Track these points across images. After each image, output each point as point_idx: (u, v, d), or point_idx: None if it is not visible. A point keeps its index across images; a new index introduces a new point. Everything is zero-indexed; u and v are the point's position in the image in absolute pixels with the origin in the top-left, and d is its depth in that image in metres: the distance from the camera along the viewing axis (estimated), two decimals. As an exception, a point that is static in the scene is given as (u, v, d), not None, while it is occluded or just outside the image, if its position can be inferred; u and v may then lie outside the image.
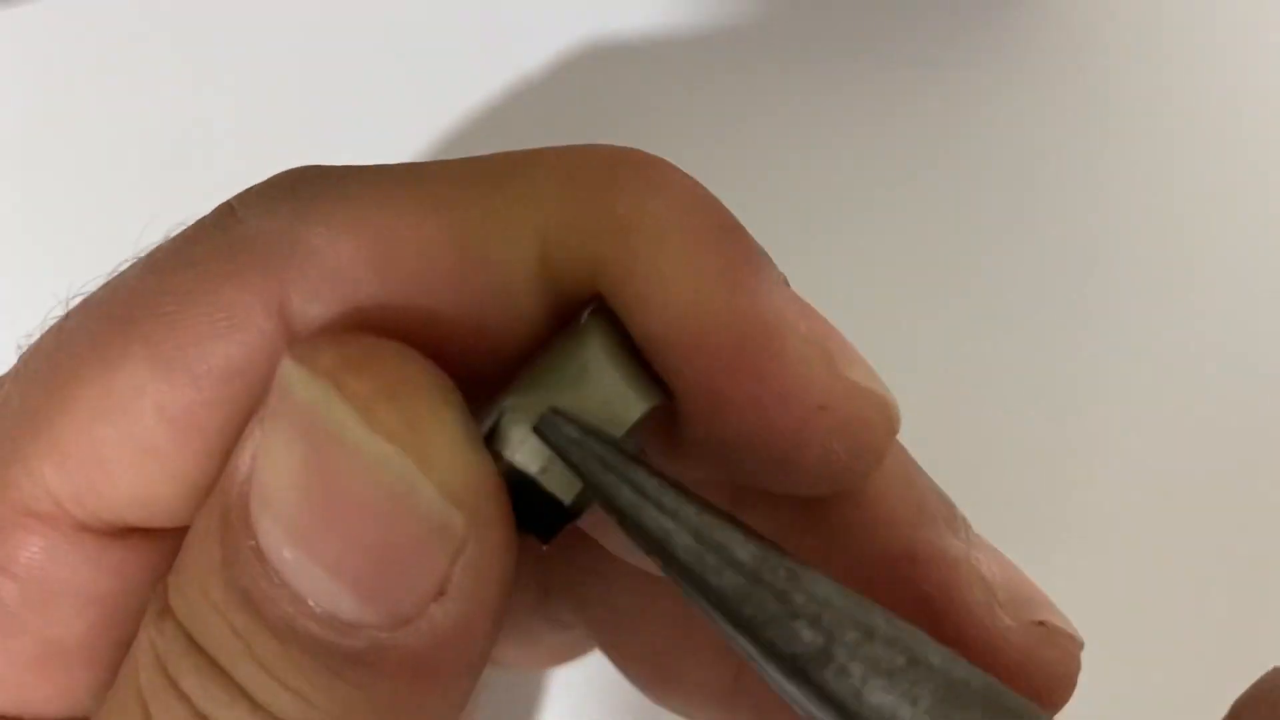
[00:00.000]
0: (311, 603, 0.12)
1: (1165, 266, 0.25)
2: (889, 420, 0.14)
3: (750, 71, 0.25)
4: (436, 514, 0.12)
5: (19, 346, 0.15)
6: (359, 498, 0.12)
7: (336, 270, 0.13)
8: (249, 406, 0.13)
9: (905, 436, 0.15)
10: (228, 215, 0.14)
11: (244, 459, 0.13)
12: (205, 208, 0.24)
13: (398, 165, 0.14)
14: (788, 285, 0.14)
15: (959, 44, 0.25)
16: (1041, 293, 0.25)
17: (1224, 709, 0.12)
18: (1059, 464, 0.25)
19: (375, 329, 0.13)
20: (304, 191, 0.14)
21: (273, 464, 0.12)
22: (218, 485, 0.13)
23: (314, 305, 0.13)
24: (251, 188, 0.14)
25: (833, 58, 0.25)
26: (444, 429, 0.13)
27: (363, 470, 0.12)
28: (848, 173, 0.25)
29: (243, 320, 0.13)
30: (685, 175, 0.14)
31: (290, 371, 0.12)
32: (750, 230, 0.14)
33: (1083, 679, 0.15)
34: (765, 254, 0.14)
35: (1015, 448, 0.25)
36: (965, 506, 0.15)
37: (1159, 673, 0.25)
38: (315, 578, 0.12)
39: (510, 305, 0.14)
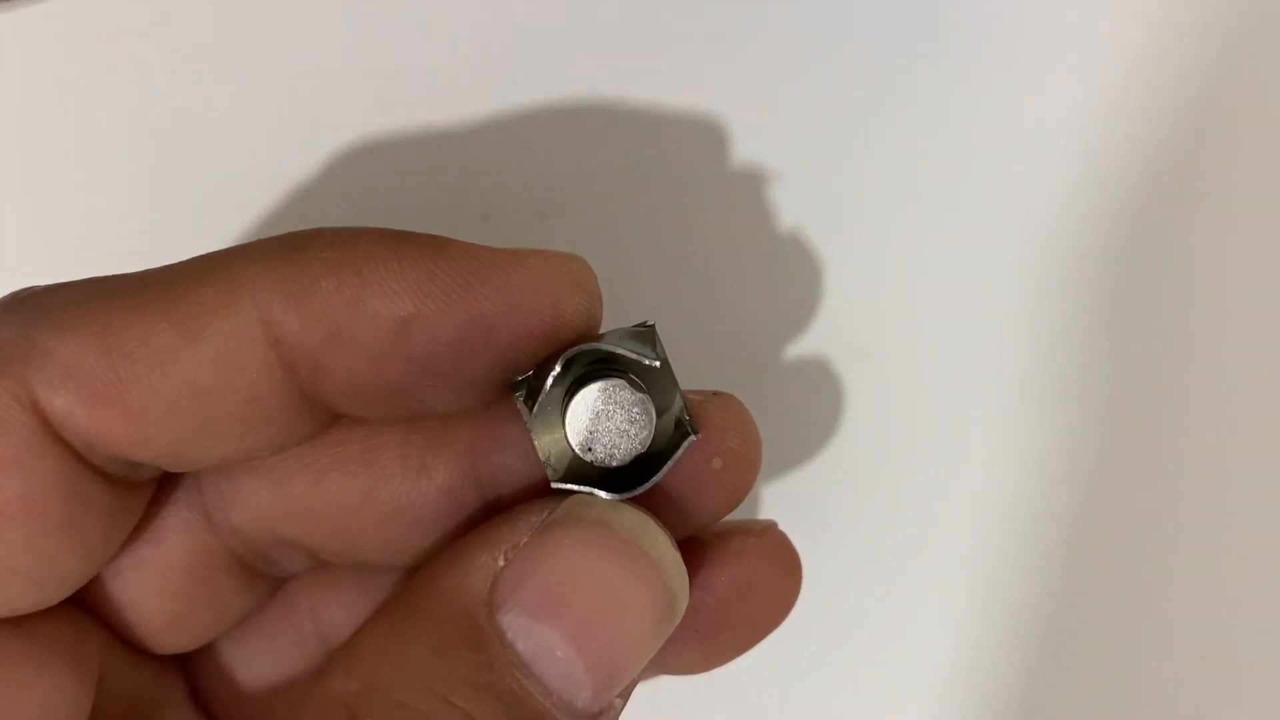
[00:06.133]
0: (556, 696, 0.15)
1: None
2: None
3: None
4: (676, 621, 0.16)
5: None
6: (644, 601, 0.15)
7: (71, 364, 0.15)
8: (20, 490, 0.15)
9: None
10: None
11: (479, 579, 0.15)
12: (205, 209, 0.24)
13: (114, 276, 0.16)
14: None
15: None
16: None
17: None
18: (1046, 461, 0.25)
19: (114, 406, 0.15)
20: (29, 306, 0.16)
21: (571, 576, 0.15)
22: (418, 603, 0.15)
23: (59, 396, 0.15)
24: None
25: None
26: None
27: (657, 579, 0.15)
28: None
29: (1, 418, 0.15)
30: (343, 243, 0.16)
31: (593, 504, 0.16)
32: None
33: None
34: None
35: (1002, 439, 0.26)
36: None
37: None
38: (574, 672, 0.15)
39: (238, 371, 0.15)
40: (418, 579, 0.16)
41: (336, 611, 0.19)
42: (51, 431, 0.15)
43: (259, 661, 0.19)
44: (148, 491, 0.17)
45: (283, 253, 0.16)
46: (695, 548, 0.18)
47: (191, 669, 0.19)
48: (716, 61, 0.25)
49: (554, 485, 0.17)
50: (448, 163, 0.25)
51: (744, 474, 0.18)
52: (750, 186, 0.25)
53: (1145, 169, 0.25)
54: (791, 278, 0.25)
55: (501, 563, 0.15)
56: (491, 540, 0.16)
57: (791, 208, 0.25)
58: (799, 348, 0.25)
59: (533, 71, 0.25)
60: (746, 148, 0.25)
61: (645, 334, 0.17)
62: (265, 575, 0.19)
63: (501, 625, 0.15)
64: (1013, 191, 0.25)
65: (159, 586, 0.18)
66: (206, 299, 0.15)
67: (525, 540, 0.15)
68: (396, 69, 0.25)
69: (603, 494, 0.16)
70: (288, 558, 0.19)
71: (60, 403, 0.15)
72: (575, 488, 0.16)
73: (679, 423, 0.17)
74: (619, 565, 0.15)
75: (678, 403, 0.17)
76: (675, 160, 0.25)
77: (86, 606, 0.17)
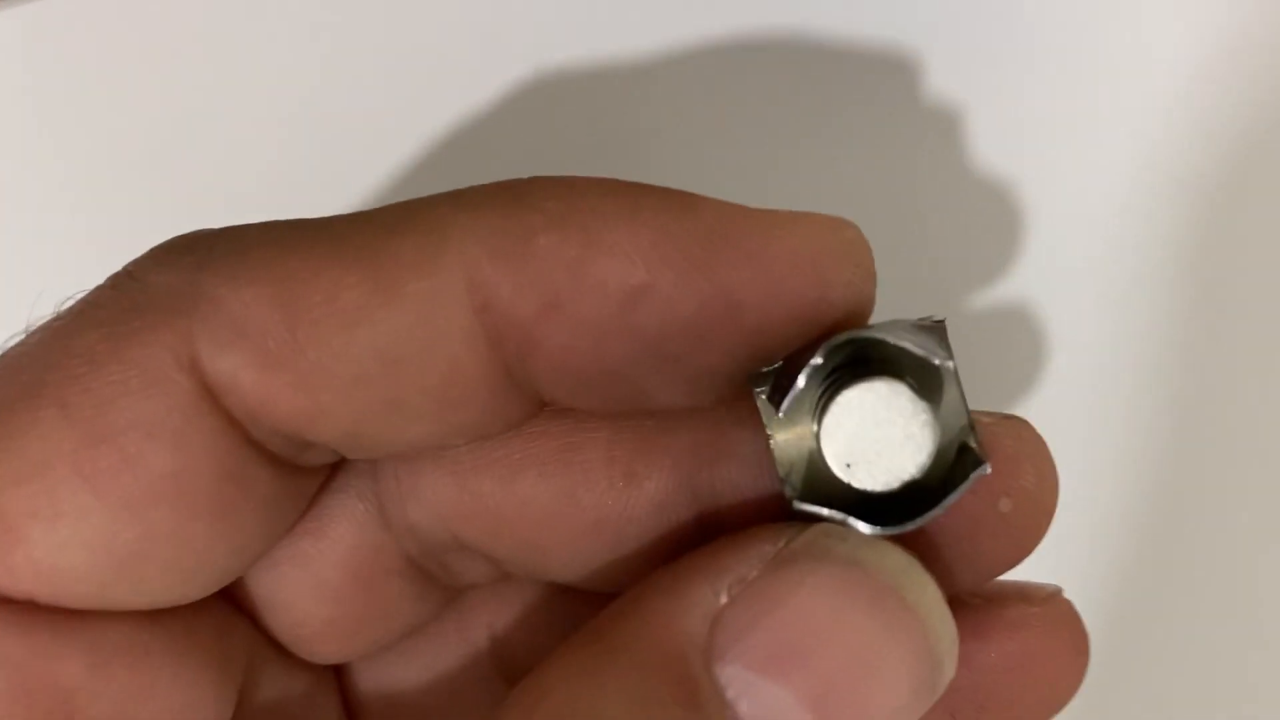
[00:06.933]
0: None
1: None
2: None
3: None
4: (938, 695, 0.13)
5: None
6: (903, 665, 0.12)
7: (242, 318, 0.13)
8: (170, 464, 0.13)
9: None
10: (125, 278, 0.14)
11: (695, 618, 0.12)
12: (205, 208, 0.24)
13: (297, 220, 0.14)
14: None
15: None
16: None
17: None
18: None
19: (289, 372, 0.13)
20: (201, 248, 0.14)
21: (813, 626, 0.12)
22: (617, 640, 0.13)
23: (224, 357, 0.13)
24: (146, 252, 0.14)
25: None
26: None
27: (921, 640, 0.12)
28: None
29: (155, 376, 0.13)
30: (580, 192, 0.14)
31: (845, 537, 0.13)
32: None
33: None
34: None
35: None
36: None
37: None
38: None
39: (437, 338, 0.13)
40: (617, 607, 0.13)
41: (517, 631, 0.17)
42: (211, 397, 0.13)
43: (423, 678, 0.17)
44: (317, 479, 0.15)
45: (499, 202, 0.13)
46: (960, 611, 0.14)
47: (346, 679, 0.17)
48: (713, 56, 0.24)
49: (797, 506, 0.13)
50: (448, 162, 0.25)
51: (1037, 523, 0.14)
52: (753, 178, 0.25)
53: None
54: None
55: (724, 599, 0.12)
56: (713, 570, 0.13)
57: (796, 193, 0.24)
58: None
59: (532, 69, 0.25)
60: (749, 139, 0.25)
61: (933, 329, 0.13)
62: (442, 584, 0.17)
63: (721, 679, 0.12)
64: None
65: (319, 586, 0.15)
66: (405, 252, 0.13)
67: (756, 574, 0.13)
68: (397, 64, 0.25)
69: (862, 525, 0.13)
70: (468, 566, 0.16)
71: (226, 364, 0.13)
72: (826, 512, 0.13)
73: (964, 447, 0.13)
74: (875, 617, 0.12)
75: (964, 422, 0.13)
76: (676, 155, 0.25)
77: (236, 603, 0.15)
